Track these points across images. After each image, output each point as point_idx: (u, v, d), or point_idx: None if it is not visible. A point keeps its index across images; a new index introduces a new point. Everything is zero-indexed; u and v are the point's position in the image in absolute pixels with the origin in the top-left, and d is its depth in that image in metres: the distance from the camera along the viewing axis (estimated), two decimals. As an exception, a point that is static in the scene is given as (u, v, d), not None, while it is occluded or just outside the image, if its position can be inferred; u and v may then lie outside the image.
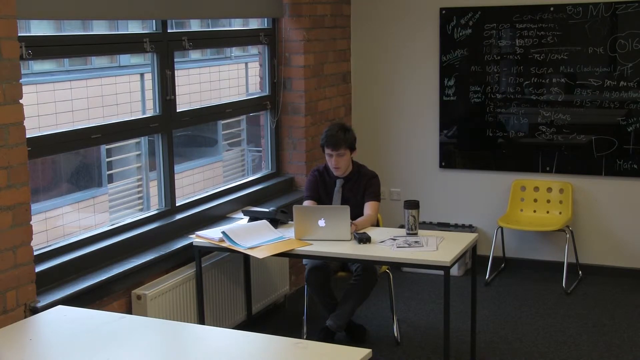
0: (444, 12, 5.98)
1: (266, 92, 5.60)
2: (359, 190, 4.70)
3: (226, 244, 4.25)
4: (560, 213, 5.80)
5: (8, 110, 3.27)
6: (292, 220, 4.60)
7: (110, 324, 3.11)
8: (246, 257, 4.68)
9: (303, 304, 4.84)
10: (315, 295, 4.66)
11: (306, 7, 5.54)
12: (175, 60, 4.60)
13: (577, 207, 5.84)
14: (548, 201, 5.87)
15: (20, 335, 3.06)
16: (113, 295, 3.94)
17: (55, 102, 5.19)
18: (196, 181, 6.63)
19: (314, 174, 4.82)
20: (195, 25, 5.12)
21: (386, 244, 4.17)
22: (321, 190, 4.76)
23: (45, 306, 3.42)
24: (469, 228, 6.02)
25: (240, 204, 5.13)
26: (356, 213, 4.56)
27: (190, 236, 4.45)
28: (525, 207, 5.92)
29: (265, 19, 5.53)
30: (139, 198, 5.28)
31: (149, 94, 4.67)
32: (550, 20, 5.71)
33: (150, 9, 4.31)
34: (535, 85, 5.82)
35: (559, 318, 5.06)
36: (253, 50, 6.52)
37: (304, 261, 4.72)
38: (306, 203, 4.73)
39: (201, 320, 4.38)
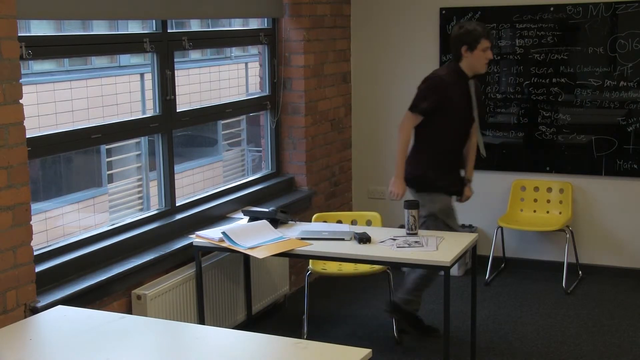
0: (444, 12, 5.98)
1: (266, 92, 5.60)
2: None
3: (226, 244, 4.25)
4: (560, 213, 5.80)
5: (8, 110, 3.27)
6: (292, 220, 4.61)
7: (110, 324, 3.11)
8: (246, 257, 4.68)
9: (303, 304, 4.84)
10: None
11: (306, 7, 5.54)
12: (175, 60, 4.59)
13: (577, 207, 5.84)
14: (548, 201, 5.87)
15: (20, 335, 3.06)
16: (113, 295, 3.94)
17: (55, 102, 5.18)
18: (196, 181, 6.63)
19: (435, 79, 4.59)
20: (195, 25, 5.12)
21: (386, 244, 4.17)
22: (451, 93, 4.56)
23: (45, 306, 3.42)
24: (469, 228, 6.02)
25: (240, 204, 5.13)
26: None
27: (190, 236, 4.45)
28: (525, 207, 5.92)
29: (265, 19, 5.53)
30: (139, 198, 5.28)
31: (149, 94, 4.67)
32: (550, 20, 5.71)
33: (150, 9, 4.31)
34: (535, 85, 5.82)
35: (559, 318, 5.06)
36: (253, 50, 6.52)
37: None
38: (413, 118, 4.62)
39: (201, 320, 4.38)
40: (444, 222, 4.61)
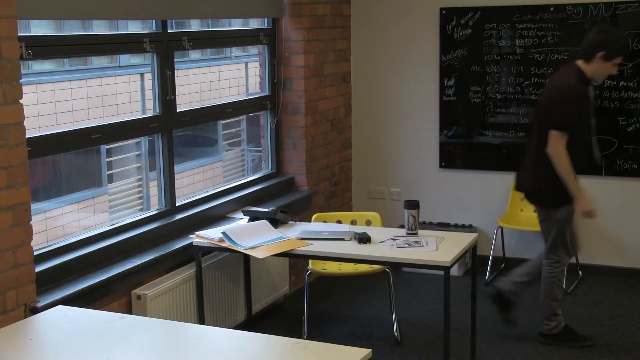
0: (444, 12, 5.98)
1: (266, 92, 5.60)
2: None
3: (226, 244, 4.25)
4: (560, 213, 5.79)
5: (8, 110, 3.27)
6: (292, 220, 4.61)
7: (110, 324, 3.11)
8: (246, 257, 4.68)
9: (303, 304, 4.84)
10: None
11: (306, 7, 5.54)
12: (175, 60, 4.60)
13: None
14: (548, 201, 5.86)
15: (20, 335, 3.06)
16: (113, 295, 3.94)
17: (55, 102, 5.19)
18: (196, 181, 6.63)
19: (572, 92, 4.44)
20: (195, 25, 5.12)
21: (386, 244, 4.17)
22: (584, 103, 4.47)
23: (45, 306, 3.42)
24: (469, 228, 6.02)
25: (240, 204, 5.13)
26: None
27: (190, 236, 4.45)
28: (525, 207, 5.90)
29: (265, 19, 5.53)
30: (139, 198, 5.28)
31: (149, 94, 4.67)
32: (550, 20, 5.71)
33: (150, 9, 4.31)
34: (535, 85, 5.82)
35: (559, 318, 5.06)
36: (253, 50, 6.52)
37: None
38: (563, 136, 4.38)
39: (201, 320, 4.38)
40: (567, 230, 4.60)
